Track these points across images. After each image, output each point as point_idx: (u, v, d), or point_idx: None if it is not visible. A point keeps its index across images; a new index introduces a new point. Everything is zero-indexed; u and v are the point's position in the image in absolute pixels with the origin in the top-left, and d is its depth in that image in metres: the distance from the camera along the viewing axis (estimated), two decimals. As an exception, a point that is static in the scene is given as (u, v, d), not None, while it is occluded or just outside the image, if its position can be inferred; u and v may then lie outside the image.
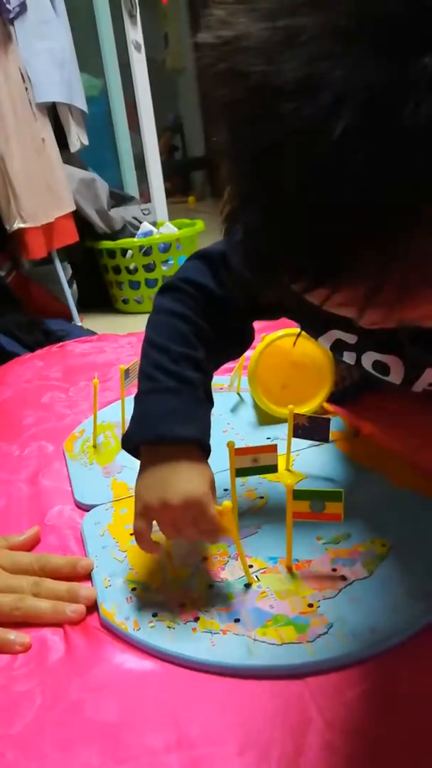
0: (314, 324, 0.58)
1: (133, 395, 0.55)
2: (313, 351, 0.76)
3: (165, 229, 2.13)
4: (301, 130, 0.25)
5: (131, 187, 2.49)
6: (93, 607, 0.50)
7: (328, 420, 0.64)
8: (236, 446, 0.54)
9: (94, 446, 0.77)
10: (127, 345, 1.22)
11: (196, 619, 0.47)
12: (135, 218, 2.18)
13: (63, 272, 1.86)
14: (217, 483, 0.51)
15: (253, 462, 0.55)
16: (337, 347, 0.58)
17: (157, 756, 0.38)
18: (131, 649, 0.46)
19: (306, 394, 0.78)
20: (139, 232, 2.07)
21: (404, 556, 0.51)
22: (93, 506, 0.65)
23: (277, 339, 0.75)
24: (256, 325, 0.62)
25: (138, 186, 2.50)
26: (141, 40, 2.20)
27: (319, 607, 0.46)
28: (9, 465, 0.78)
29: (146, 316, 0.59)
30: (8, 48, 1.58)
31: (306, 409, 0.76)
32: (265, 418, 0.79)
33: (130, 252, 2.01)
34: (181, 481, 0.48)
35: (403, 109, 0.23)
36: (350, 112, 0.24)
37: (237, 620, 0.46)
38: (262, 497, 0.62)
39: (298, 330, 0.71)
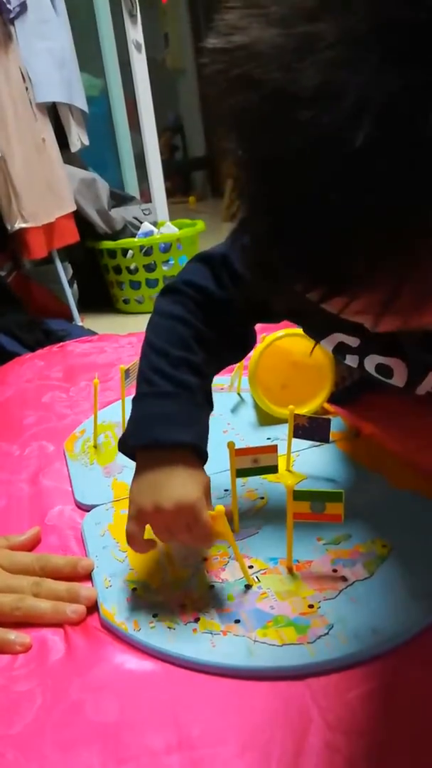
0: (317, 327, 0.58)
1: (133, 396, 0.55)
2: (313, 351, 0.76)
3: (165, 229, 2.13)
4: (320, 138, 0.24)
5: (132, 187, 2.50)
6: (93, 608, 0.50)
7: (329, 420, 0.64)
8: (236, 447, 0.54)
9: (95, 446, 0.77)
10: (128, 345, 1.22)
11: (197, 620, 0.47)
12: (135, 218, 2.18)
13: (64, 272, 1.86)
14: (218, 483, 0.51)
15: (254, 462, 0.55)
16: (340, 350, 0.58)
17: (158, 757, 0.38)
18: (131, 650, 0.46)
19: (306, 394, 0.78)
20: (140, 232, 2.07)
21: (405, 557, 0.50)
22: (93, 506, 0.65)
23: (278, 339, 0.75)
24: (256, 326, 0.62)
25: (138, 186, 2.50)
26: (141, 40, 2.20)
27: (319, 607, 0.46)
28: (9, 465, 0.78)
29: (147, 317, 0.59)
30: (8, 48, 1.58)
31: (306, 409, 0.76)
32: (266, 419, 0.79)
33: (130, 252, 2.01)
34: (175, 486, 0.48)
35: (425, 117, 0.23)
36: (371, 120, 0.23)
37: (237, 621, 0.46)
38: (262, 498, 0.62)
39: (298, 330, 0.71)
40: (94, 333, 1.49)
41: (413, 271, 0.26)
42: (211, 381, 0.57)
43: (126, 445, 0.53)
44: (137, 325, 1.13)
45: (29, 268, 1.93)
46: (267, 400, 0.78)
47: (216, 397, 0.57)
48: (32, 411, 0.94)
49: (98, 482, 0.69)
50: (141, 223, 2.13)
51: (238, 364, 0.85)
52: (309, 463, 0.67)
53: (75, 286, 2.03)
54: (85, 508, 0.65)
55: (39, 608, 0.50)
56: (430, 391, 0.57)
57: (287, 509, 0.48)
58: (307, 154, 0.25)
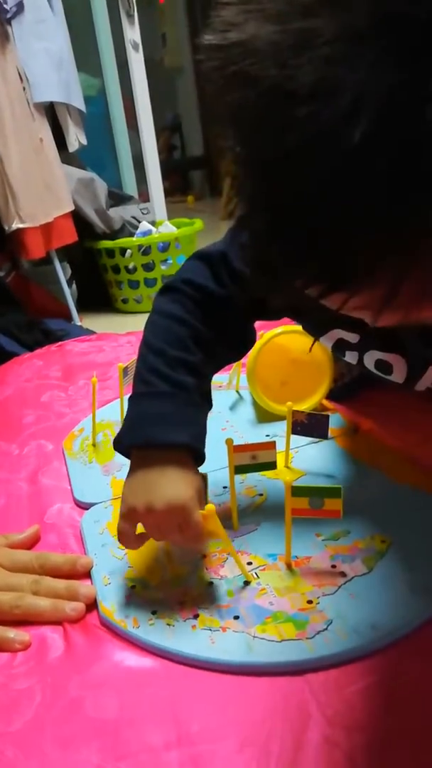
0: (316, 323, 0.58)
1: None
2: (312, 348, 0.76)
3: (164, 229, 2.13)
4: (318, 134, 0.24)
5: (130, 187, 2.50)
6: (92, 605, 0.50)
7: (327, 417, 0.64)
8: (235, 443, 0.54)
9: (94, 445, 0.77)
10: (127, 344, 1.22)
11: (196, 617, 0.47)
12: (134, 217, 2.18)
13: (62, 272, 1.86)
14: (216, 480, 0.51)
15: (252, 459, 0.55)
16: (339, 347, 0.58)
17: (157, 753, 0.38)
18: (131, 647, 0.46)
19: (305, 391, 0.78)
20: (138, 231, 2.07)
21: (404, 553, 0.50)
22: (92, 504, 0.65)
23: (276, 336, 0.75)
24: (255, 323, 0.62)
25: (137, 185, 2.50)
26: (139, 40, 2.19)
27: (318, 603, 0.46)
28: (8, 464, 0.78)
29: (145, 316, 0.58)
30: (6, 48, 1.58)
31: (305, 406, 0.76)
32: (264, 416, 0.79)
33: (129, 251, 2.01)
34: (167, 486, 0.48)
35: (423, 112, 0.22)
36: (369, 116, 0.23)
37: (236, 617, 0.46)
38: (261, 494, 0.62)
39: (296, 327, 0.71)
40: (92, 332, 1.49)
41: (413, 267, 0.26)
42: (209, 381, 0.57)
43: (121, 444, 0.53)
44: (136, 324, 1.13)
45: (28, 268, 1.93)
46: (265, 397, 0.78)
47: (215, 395, 0.57)
48: (31, 410, 0.94)
49: (97, 480, 0.69)
50: (139, 222, 2.13)
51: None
52: (308, 459, 0.67)
53: (73, 285, 2.03)
54: (84, 507, 0.65)
55: (38, 606, 0.50)
56: (430, 387, 0.57)
57: (286, 505, 0.48)
58: (305, 150, 0.25)
